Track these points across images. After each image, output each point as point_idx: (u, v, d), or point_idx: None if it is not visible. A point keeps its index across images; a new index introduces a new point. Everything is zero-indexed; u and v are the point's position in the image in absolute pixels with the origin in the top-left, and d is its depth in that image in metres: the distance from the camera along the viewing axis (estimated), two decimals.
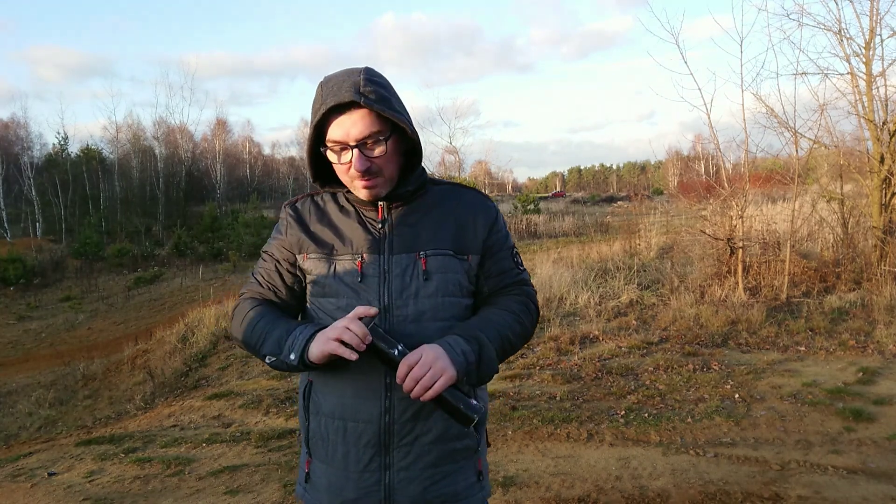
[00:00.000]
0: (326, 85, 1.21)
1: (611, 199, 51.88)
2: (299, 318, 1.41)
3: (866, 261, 8.11)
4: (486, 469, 1.40)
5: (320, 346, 1.18)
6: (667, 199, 31.28)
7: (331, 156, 1.24)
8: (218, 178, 46.68)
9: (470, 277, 1.34)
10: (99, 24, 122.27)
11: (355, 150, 1.19)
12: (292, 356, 1.21)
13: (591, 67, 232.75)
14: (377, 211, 1.31)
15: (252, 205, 34.84)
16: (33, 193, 35.63)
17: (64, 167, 37.37)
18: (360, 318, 1.18)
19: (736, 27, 17.04)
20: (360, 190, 1.26)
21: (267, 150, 63.91)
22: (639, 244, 12.38)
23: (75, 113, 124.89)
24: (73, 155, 40.25)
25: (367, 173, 1.22)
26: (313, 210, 1.37)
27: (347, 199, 1.34)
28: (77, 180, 36.99)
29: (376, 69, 1.26)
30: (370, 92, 1.18)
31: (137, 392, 7.90)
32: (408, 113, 1.27)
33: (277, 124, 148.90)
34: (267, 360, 1.27)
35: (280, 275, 1.38)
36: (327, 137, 1.22)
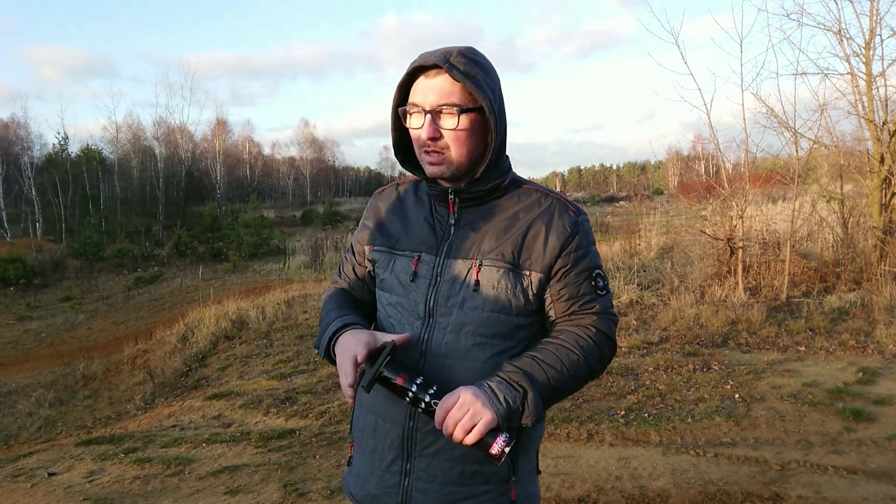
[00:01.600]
0: (424, 52, 1.20)
1: (611, 199, 51.94)
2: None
3: (866, 261, 8.11)
4: (524, 499, 1.27)
5: (339, 359, 1.19)
6: (667, 199, 31.26)
7: (409, 121, 1.21)
8: (218, 178, 46.67)
9: (529, 296, 1.22)
10: (99, 24, 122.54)
11: (428, 116, 1.16)
12: (322, 353, 1.26)
13: (592, 67, 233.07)
14: (448, 206, 1.27)
15: (252, 205, 34.81)
16: (33, 193, 35.56)
17: (64, 167, 37.31)
18: (386, 343, 1.15)
19: (736, 27, 17.01)
20: (425, 165, 1.22)
21: (267, 150, 64.05)
22: (639, 244, 12.37)
23: (75, 113, 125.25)
24: (73, 155, 40.20)
25: (432, 142, 1.18)
26: (393, 199, 1.37)
27: (426, 192, 1.32)
28: (77, 180, 36.94)
29: (480, 50, 1.23)
30: (459, 63, 1.15)
31: (137, 392, 7.90)
32: (496, 97, 1.20)
33: (277, 124, 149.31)
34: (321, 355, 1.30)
35: (353, 268, 1.41)
36: (409, 100, 1.21)
